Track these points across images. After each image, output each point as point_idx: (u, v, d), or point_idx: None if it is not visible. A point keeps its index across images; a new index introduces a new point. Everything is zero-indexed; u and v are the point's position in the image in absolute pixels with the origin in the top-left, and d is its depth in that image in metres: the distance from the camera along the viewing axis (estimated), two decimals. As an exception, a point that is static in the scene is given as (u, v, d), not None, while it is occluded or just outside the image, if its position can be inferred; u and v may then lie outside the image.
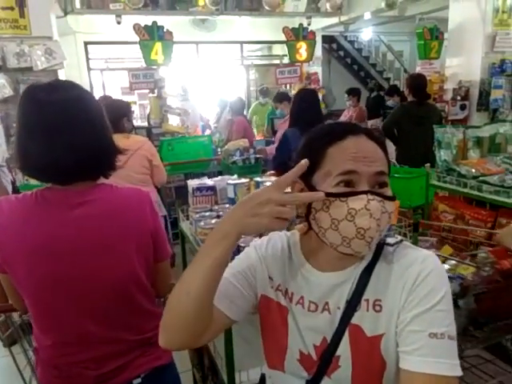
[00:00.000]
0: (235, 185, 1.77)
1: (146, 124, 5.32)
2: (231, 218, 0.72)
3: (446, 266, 1.48)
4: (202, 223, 1.62)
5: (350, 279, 0.81)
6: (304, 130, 3.50)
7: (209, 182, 1.97)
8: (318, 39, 9.27)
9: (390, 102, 5.87)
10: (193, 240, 1.74)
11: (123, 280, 1.09)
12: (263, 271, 0.88)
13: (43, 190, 1.06)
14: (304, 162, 0.72)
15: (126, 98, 5.70)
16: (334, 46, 10.94)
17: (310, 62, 9.10)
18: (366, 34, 9.46)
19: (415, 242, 1.56)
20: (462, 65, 4.98)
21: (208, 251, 0.74)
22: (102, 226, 1.06)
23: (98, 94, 7.34)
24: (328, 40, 10.30)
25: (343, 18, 7.41)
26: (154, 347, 1.12)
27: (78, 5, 5.70)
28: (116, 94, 6.74)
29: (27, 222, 1.02)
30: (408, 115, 3.58)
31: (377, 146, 0.79)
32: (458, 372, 0.71)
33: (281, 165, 2.81)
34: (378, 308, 0.78)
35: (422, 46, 5.20)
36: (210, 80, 8.53)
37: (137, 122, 6.02)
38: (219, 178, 2.03)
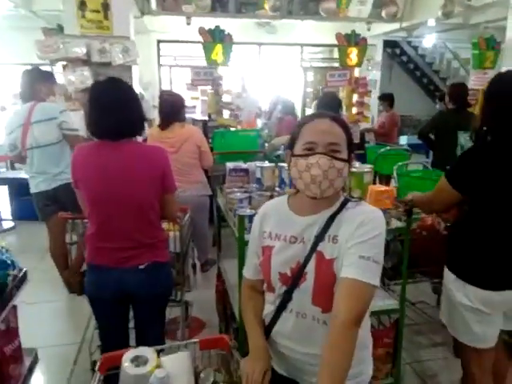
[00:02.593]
0: (262, 167, 2.13)
1: (205, 118, 5.80)
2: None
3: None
4: (231, 196, 2.00)
5: (319, 221, 1.16)
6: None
7: (243, 165, 2.34)
8: (380, 44, 9.36)
9: (437, 106, 5.95)
10: (224, 209, 2.13)
11: (144, 201, 1.71)
12: (260, 230, 1.27)
13: (99, 142, 1.72)
14: None
15: (190, 94, 6.24)
16: (398, 51, 10.89)
17: (369, 67, 9.20)
18: (429, 41, 9.32)
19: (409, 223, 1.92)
20: (517, 75, 4.93)
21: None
22: (133, 163, 1.69)
23: (165, 88, 8.02)
24: (391, 44, 10.31)
25: (404, 25, 7.47)
26: (155, 249, 1.78)
27: (153, 6, 6.35)
28: (181, 89, 7.31)
29: (90, 157, 1.71)
30: (445, 122, 3.73)
31: (337, 126, 1.14)
32: (376, 283, 1.06)
33: None
34: (335, 241, 1.13)
35: (476, 55, 5.22)
36: (271, 80, 8.89)
37: (198, 116, 6.51)
38: (253, 162, 2.39)
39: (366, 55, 9.29)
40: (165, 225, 2.09)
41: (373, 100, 7.17)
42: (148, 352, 1.16)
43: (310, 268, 1.13)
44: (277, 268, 1.19)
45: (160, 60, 8.60)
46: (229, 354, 1.24)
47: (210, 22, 5.45)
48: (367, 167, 1.97)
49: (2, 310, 1.39)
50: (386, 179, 4.94)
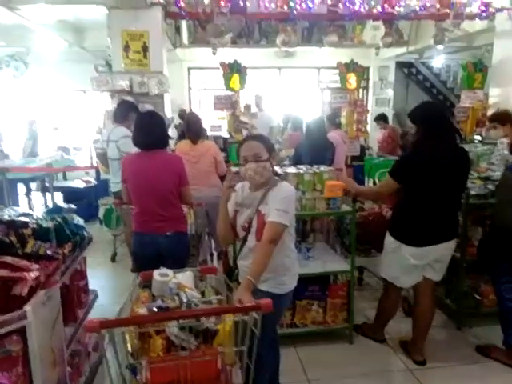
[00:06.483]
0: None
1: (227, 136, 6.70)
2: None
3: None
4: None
5: (260, 194, 1.96)
6: (311, 145, 4.98)
7: (243, 169, 3.16)
8: (392, 65, 10.11)
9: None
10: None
11: (166, 190, 2.58)
12: (235, 200, 2.06)
13: (139, 152, 2.64)
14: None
15: (217, 114, 7.13)
16: (414, 70, 11.56)
17: (382, 86, 9.93)
18: (438, 61, 10.06)
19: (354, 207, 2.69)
20: (502, 94, 5.52)
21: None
22: (160, 165, 2.59)
23: (194, 109, 8.95)
24: (407, 65, 11.08)
25: (411, 49, 8.21)
26: (176, 222, 2.65)
27: (184, 40, 7.44)
28: (209, 110, 8.21)
29: (134, 162, 2.65)
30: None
31: (258, 142, 1.94)
32: (285, 222, 1.85)
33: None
34: (266, 203, 1.92)
35: (465, 77, 5.84)
36: (290, 100, 9.73)
37: (224, 134, 7.34)
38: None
39: (380, 75, 10.10)
40: (187, 215, 2.95)
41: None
42: (168, 271, 1.97)
43: (255, 220, 1.96)
44: (240, 223, 2.03)
45: (191, 85, 9.67)
46: (217, 276, 2.04)
47: (233, 52, 6.37)
48: (327, 169, 2.73)
49: (79, 255, 2.24)
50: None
